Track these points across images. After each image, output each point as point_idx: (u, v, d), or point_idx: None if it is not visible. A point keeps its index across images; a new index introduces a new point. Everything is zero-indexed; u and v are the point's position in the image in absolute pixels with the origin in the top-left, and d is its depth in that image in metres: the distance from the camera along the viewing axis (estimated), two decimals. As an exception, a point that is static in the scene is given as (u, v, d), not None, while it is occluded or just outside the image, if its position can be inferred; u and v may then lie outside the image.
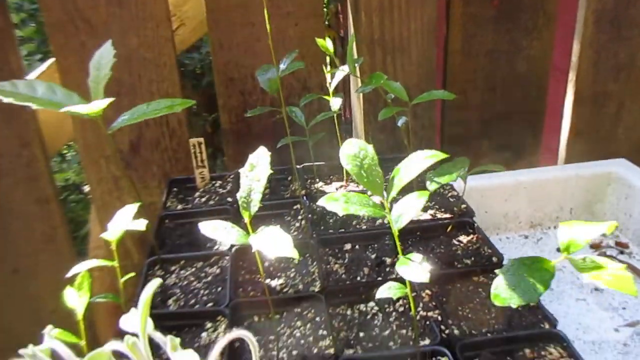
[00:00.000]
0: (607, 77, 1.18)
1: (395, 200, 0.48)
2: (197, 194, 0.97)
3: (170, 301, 0.73)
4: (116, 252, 0.60)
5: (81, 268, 0.59)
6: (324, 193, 0.94)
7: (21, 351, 0.23)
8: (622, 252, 0.98)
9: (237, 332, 0.30)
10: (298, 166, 0.99)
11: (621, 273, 0.44)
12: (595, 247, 1.00)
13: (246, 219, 0.52)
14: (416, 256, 0.47)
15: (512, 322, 0.64)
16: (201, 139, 0.97)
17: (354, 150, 0.45)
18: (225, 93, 1.16)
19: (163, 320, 0.69)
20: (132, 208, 0.61)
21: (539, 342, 0.60)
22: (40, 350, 0.24)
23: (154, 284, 0.25)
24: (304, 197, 0.91)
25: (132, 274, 0.63)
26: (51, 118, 1.18)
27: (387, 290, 0.51)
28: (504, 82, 1.19)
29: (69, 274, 0.59)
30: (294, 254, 0.46)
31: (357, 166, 0.45)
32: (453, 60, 1.17)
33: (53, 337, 0.25)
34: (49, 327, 0.27)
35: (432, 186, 0.63)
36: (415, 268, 0.46)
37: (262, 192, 0.51)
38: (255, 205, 0.51)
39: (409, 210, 0.46)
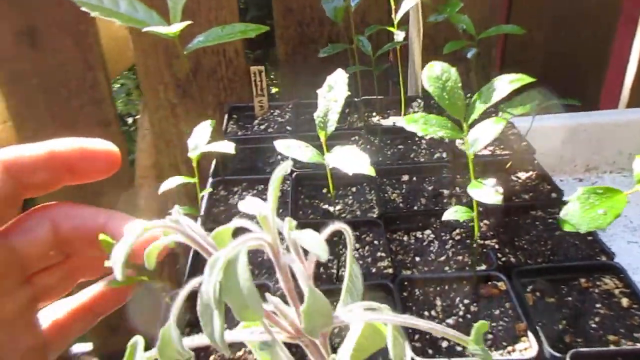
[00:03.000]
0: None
1: (471, 126, 0.49)
2: (256, 121, 1.00)
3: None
4: (196, 169, 0.63)
5: (170, 184, 0.62)
6: (382, 126, 0.95)
7: (168, 218, 0.26)
8: (680, 200, 0.96)
9: (337, 225, 0.33)
10: (356, 99, 0.99)
11: None
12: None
13: (322, 138, 0.54)
14: (489, 180, 0.48)
15: (568, 255, 0.66)
16: (261, 67, 0.99)
17: (437, 72, 0.46)
18: (283, 24, 1.16)
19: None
20: (208, 125, 0.63)
21: (594, 273, 0.62)
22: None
23: (286, 165, 0.27)
24: (362, 129, 0.93)
25: (209, 190, 0.66)
26: (113, 43, 1.21)
27: (454, 213, 0.53)
28: (571, 22, 1.15)
29: (161, 190, 0.62)
30: (370, 171, 0.48)
31: (439, 88, 0.46)
32: (518, -4, 1.13)
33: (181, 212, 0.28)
34: (176, 206, 0.29)
35: (505, 116, 0.63)
36: (487, 190, 0.47)
37: (339, 112, 0.53)
38: (332, 125, 0.53)
39: (485, 134, 0.47)
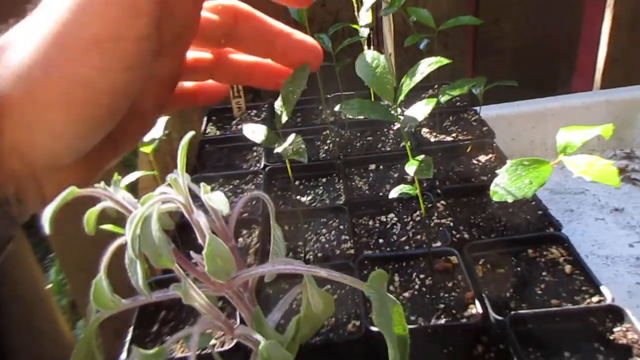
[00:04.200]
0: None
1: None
2: (234, 122, 1.04)
3: (210, 213, 0.82)
4: (154, 162, 0.68)
5: (131, 178, 0.67)
6: (351, 119, 0.99)
7: (96, 185, 0.31)
8: (647, 176, 0.99)
9: (255, 192, 0.37)
10: (328, 96, 1.04)
11: (607, 168, 0.48)
12: (620, 171, 1.01)
13: (278, 125, 0.58)
14: (423, 157, 0.52)
15: (519, 229, 0.69)
16: (237, 70, 1.03)
17: (368, 60, 0.50)
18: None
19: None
20: (163, 120, 0.68)
21: (541, 244, 0.65)
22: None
23: (190, 134, 0.32)
24: (332, 124, 0.97)
25: (169, 181, 0.71)
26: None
27: (399, 191, 0.57)
28: (538, 9, 1.18)
29: (123, 183, 0.67)
30: (304, 158, 0.52)
31: (370, 74, 0.50)
32: (485, -12, 1.17)
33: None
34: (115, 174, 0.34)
35: (444, 98, 0.67)
36: (424, 166, 0.51)
37: (296, 102, 0.57)
38: (286, 115, 0.57)
39: (417, 114, 0.51)
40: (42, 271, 1.50)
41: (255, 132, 0.58)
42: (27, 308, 1.13)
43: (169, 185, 0.35)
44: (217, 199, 0.32)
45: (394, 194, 0.58)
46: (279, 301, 0.41)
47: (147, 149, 0.67)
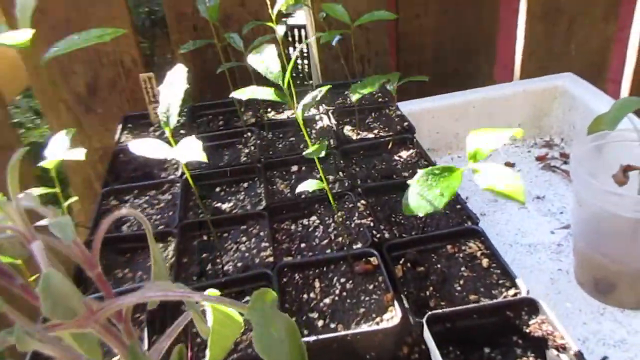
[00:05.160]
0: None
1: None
2: (152, 128, 0.99)
3: (124, 227, 0.77)
4: (56, 179, 0.63)
5: (33, 193, 0.62)
6: (273, 120, 0.96)
7: None
8: (565, 162, 1.02)
9: (124, 211, 0.33)
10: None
11: (514, 183, 0.46)
12: (540, 159, 1.03)
13: (167, 133, 0.54)
14: (319, 142, 0.49)
15: (439, 224, 0.68)
16: (151, 74, 0.98)
17: (260, 54, 0.48)
18: (178, 29, 1.15)
19: (117, 243, 0.73)
20: (66, 135, 0.63)
21: (460, 239, 0.65)
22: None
23: (21, 151, 0.28)
24: (254, 126, 0.94)
25: (75, 198, 0.66)
26: (4, 67, 1.18)
27: (307, 184, 0.54)
28: (456, 4, 1.19)
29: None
30: (203, 157, 0.48)
31: (262, 64, 0.47)
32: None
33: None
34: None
35: (355, 97, 0.65)
36: (318, 147, 0.49)
37: (180, 106, 0.53)
38: (174, 119, 0.53)
39: (308, 100, 0.49)
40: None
41: (142, 147, 0.54)
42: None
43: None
44: (60, 226, 0.28)
45: (301, 188, 0.56)
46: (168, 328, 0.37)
47: (49, 165, 0.62)
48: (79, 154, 0.62)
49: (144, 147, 0.56)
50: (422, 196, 0.49)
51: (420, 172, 0.50)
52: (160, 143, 0.56)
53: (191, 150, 0.48)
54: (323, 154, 0.46)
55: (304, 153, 0.48)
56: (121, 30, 0.68)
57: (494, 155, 1.06)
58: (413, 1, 1.18)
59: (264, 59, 0.46)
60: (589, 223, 0.70)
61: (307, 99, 0.48)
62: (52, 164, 0.61)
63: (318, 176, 0.82)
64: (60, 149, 0.61)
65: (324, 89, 0.47)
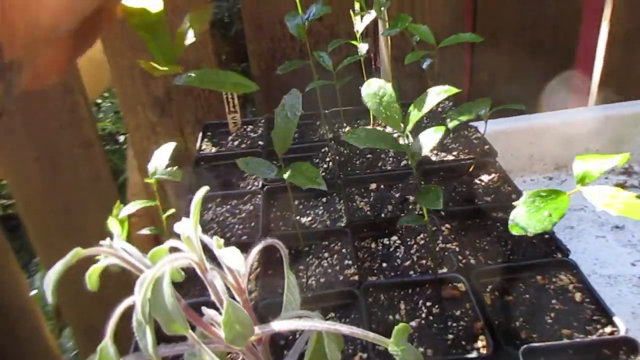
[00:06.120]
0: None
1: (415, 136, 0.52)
2: (230, 137, 1.02)
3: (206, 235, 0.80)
4: (157, 193, 0.66)
5: (129, 210, 0.64)
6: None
7: (102, 242, 0.29)
8: (646, 193, 0.99)
9: (269, 240, 0.35)
10: (326, 111, 1.02)
11: (632, 200, 0.46)
12: (619, 187, 1.01)
13: (279, 155, 0.56)
14: (432, 187, 0.50)
15: (526, 253, 0.68)
16: (233, 85, 1.01)
17: (374, 89, 0.48)
18: (255, 39, 1.18)
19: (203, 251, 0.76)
20: (168, 148, 0.66)
21: (550, 270, 0.64)
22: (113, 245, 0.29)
23: (203, 190, 0.30)
24: (331, 141, 0.95)
25: (173, 210, 0.69)
26: (91, 67, 1.24)
27: (408, 218, 0.55)
28: (534, 23, 1.18)
29: (121, 215, 0.64)
30: (322, 184, 0.50)
31: (377, 103, 0.48)
32: (483, 2, 1.16)
33: (121, 238, 0.30)
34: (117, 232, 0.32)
35: (452, 124, 0.65)
36: (433, 196, 0.50)
37: (294, 129, 0.55)
38: (288, 142, 0.55)
39: (426, 143, 0.50)
40: (27, 278, 1.46)
41: (249, 164, 0.56)
42: (11, 317, 1.09)
43: (179, 236, 0.33)
44: (231, 257, 0.30)
45: (404, 221, 0.57)
46: (291, 349, 0.39)
47: (151, 181, 0.65)
48: (176, 175, 0.64)
49: (251, 165, 0.58)
50: (529, 217, 0.49)
51: (525, 194, 0.50)
52: (266, 164, 0.58)
53: (309, 180, 0.49)
54: (441, 206, 0.47)
55: (417, 198, 0.49)
56: (253, 86, 0.70)
57: (568, 180, 1.04)
58: (490, 19, 1.17)
59: (384, 108, 0.47)
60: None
61: (419, 145, 0.48)
62: (154, 179, 0.64)
63: (397, 195, 0.83)
64: (163, 163, 0.64)
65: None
